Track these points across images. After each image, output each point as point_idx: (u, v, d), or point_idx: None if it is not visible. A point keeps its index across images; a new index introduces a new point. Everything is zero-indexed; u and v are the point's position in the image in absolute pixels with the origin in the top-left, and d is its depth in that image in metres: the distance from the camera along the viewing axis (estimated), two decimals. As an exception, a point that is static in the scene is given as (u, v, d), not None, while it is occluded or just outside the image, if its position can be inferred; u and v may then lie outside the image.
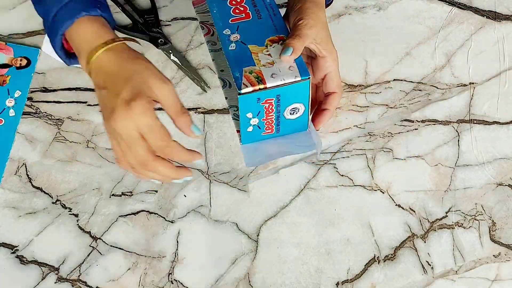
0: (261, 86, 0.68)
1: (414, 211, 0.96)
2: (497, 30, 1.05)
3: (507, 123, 1.01)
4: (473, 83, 1.02)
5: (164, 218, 0.95)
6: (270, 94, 0.70)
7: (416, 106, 1.01)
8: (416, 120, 1.00)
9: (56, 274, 0.92)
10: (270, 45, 0.72)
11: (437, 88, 1.02)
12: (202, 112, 0.99)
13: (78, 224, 0.94)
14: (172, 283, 0.92)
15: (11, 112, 0.98)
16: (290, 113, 0.73)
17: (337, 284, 0.93)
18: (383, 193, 0.96)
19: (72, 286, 0.92)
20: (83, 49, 0.69)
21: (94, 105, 0.99)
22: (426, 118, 1.00)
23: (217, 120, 0.99)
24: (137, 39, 0.70)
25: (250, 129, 0.74)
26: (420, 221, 0.96)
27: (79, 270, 0.93)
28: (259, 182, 0.96)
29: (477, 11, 1.05)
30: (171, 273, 0.93)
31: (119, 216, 0.95)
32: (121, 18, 1.04)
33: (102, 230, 0.94)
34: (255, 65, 0.70)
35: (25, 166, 0.96)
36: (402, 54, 1.03)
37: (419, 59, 1.03)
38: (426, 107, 1.01)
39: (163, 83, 0.65)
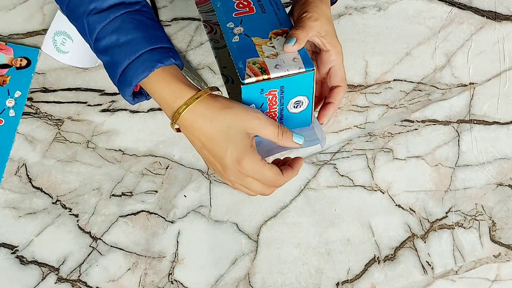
0: (265, 77, 0.68)
1: (414, 211, 0.96)
2: (497, 30, 1.05)
3: (507, 123, 1.01)
4: (473, 83, 1.02)
5: (164, 218, 0.95)
6: (273, 85, 0.69)
7: (416, 106, 1.01)
8: (416, 120, 1.00)
9: (56, 274, 0.92)
10: (274, 38, 0.72)
11: (437, 88, 1.02)
12: (202, 112, 0.99)
13: (78, 224, 0.94)
14: (172, 283, 0.92)
15: (11, 113, 0.98)
16: (294, 107, 0.72)
17: (337, 284, 0.93)
18: (383, 193, 0.96)
19: (72, 286, 0.92)
20: (164, 105, 0.69)
21: (94, 105, 0.99)
22: (426, 118, 1.00)
23: (217, 120, 0.99)
24: (216, 87, 0.70)
25: None
26: (420, 221, 0.96)
27: (79, 271, 0.93)
28: (259, 182, 0.96)
29: (477, 11, 1.05)
30: (171, 273, 0.93)
31: (119, 216, 0.95)
32: (121, 18, 1.04)
33: (102, 230, 0.94)
34: (259, 57, 0.69)
35: (25, 166, 0.96)
36: (402, 54, 1.03)
37: (419, 59, 1.03)
38: (426, 107, 1.01)
39: (254, 120, 0.67)
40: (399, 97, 1.01)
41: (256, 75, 0.68)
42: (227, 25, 0.73)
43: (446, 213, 0.96)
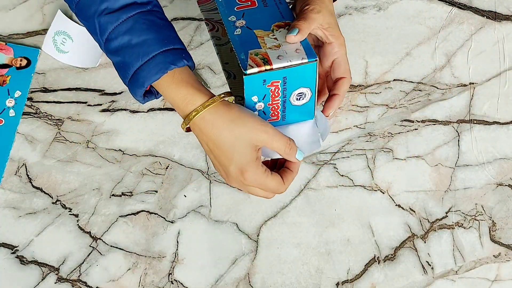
0: (267, 67, 0.67)
1: (414, 211, 0.96)
2: (497, 30, 1.05)
3: (507, 123, 1.01)
4: (473, 83, 1.02)
5: (164, 218, 0.95)
6: (276, 76, 0.68)
7: (416, 106, 1.01)
8: (416, 120, 1.00)
9: (56, 274, 0.92)
10: (276, 30, 0.72)
11: (437, 88, 1.02)
12: (202, 112, 0.99)
13: (78, 224, 0.94)
14: (172, 283, 0.92)
15: (11, 112, 0.98)
16: (297, 99, 0.72)
17: (337, 284, 0.93)
18: (383, 193, 0.96)
19: (72, 286, 0.92)
20: (176, 108, 0.70)
21: (94, 105, 0.99)
22: (426, 118, 1.00)
23: (217, 120, 0.99)
24: (230, 92, 0.71)
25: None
26: (420, 221, 0.96)
27: (79, 270, 0.93)
28: (259, 182, 0.96)
29: (477, 11, 1.05)
30: (171, 273, 0.93)
31: (119, 216, 0.95)
32: (121, 18, 1.04)
33: (102, 230, 0.94)
34: (261, 48, 0.69)
35: (25, 166, 0.96)
36: (402, 54, 1.03)
37: (419, 59, 1.03)
38: (426, 107, 1.01)
39: (263, 134, 0.68)
40: (399, 97, 1.01)
41: (258, 65, 0.67)
42: (229, 19, 0.73)
43: (446, 213, 0.96)
